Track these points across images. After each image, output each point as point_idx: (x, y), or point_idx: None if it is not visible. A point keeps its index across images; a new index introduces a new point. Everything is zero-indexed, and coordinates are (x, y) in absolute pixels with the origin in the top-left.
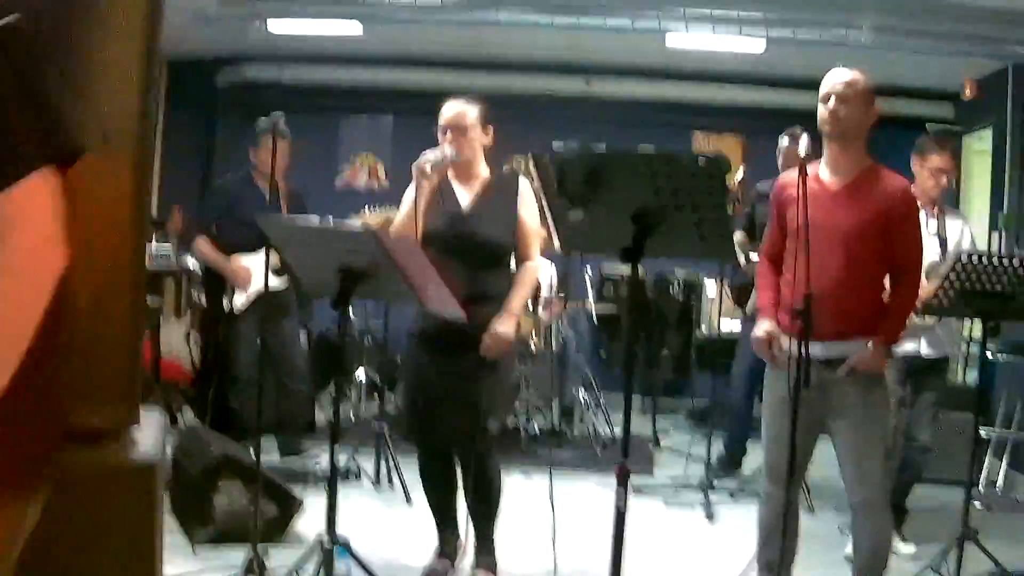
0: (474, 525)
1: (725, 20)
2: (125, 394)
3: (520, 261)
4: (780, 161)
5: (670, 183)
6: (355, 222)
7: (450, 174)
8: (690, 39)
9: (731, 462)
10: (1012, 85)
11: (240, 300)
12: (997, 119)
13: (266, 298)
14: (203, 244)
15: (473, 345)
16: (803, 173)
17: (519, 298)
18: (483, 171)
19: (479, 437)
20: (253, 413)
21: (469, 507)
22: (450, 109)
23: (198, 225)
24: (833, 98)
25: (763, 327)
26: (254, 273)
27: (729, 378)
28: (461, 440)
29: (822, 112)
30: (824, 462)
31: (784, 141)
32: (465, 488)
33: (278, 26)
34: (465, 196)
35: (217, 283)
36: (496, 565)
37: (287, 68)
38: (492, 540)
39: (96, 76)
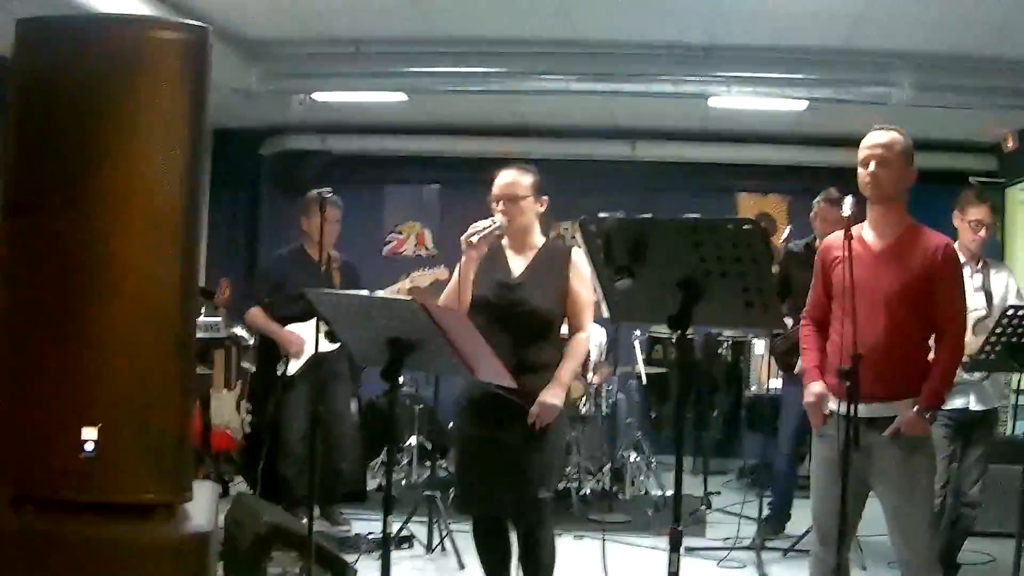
0: None
1: (766, 82)
2: (177, 469)
3: (571, 332)
4: (816, 224)
5: (714, 250)
6: (404, 283)
7: (505, 243)
8: (732, 101)
9: (776, 524)
10: None
11: (293, 367)
12: None
13: (319, 363)
14: (256, 314)
15: (521, 415)
16: (848, 235)
17: (569, 368)
18: (537, 240)
19: (532, 507)
20: (302, 482)
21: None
22: (502, 178)
23: (250, 297)
24: (873, 161)
25: (814, 390)
26: (306, 340)
27: (773, 441)
28: (513, 510)
29: (862, 175)
30: (875, 520)
31: (820, 204)
32: (519, 558)
33: (322, 96)
34: (518, 265)
35: (269, 352)
36: None
37: (331, 138)
38: None
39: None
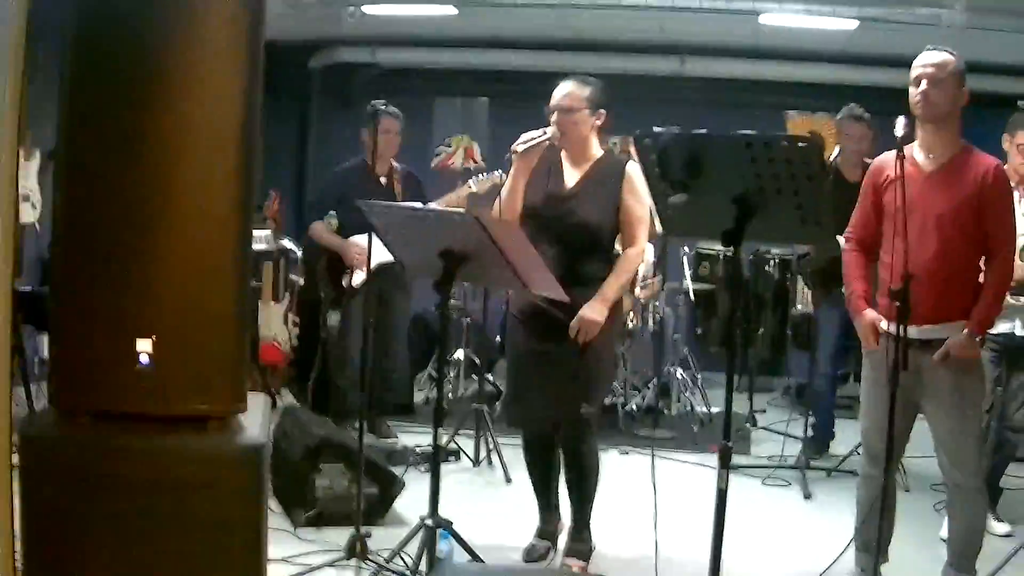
0: (571, 511)
1: None
2: (231, 381)
3: (624, 247)
4: (839, 140)
5: (770, 167)
6: (463, 190)
7: (563, 155)
8: (783, 18)
9: (819, 445)
10: None
11: (358, 278)
12: None
13: (380, 273)
14: (319, 228)
15: (562, 328)
16: (900, 155)
17: (615, 284)
18: (595, 153)
19: (574, 422)
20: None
21: (568, 491)
22: (559, 90)
23: (314, 212)
24: (924, 80)
25: (868, 317)
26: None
27: (812, 361)
28: (558, 423)
29: (914, 94)
30: (921, 442)
31: (844, 121)
32: (564, 471)
33: (372, 8)
34: (572, 177)
35: (332, 265)
36: (589, 553)
37: (381, 51)
38: (586, 527)
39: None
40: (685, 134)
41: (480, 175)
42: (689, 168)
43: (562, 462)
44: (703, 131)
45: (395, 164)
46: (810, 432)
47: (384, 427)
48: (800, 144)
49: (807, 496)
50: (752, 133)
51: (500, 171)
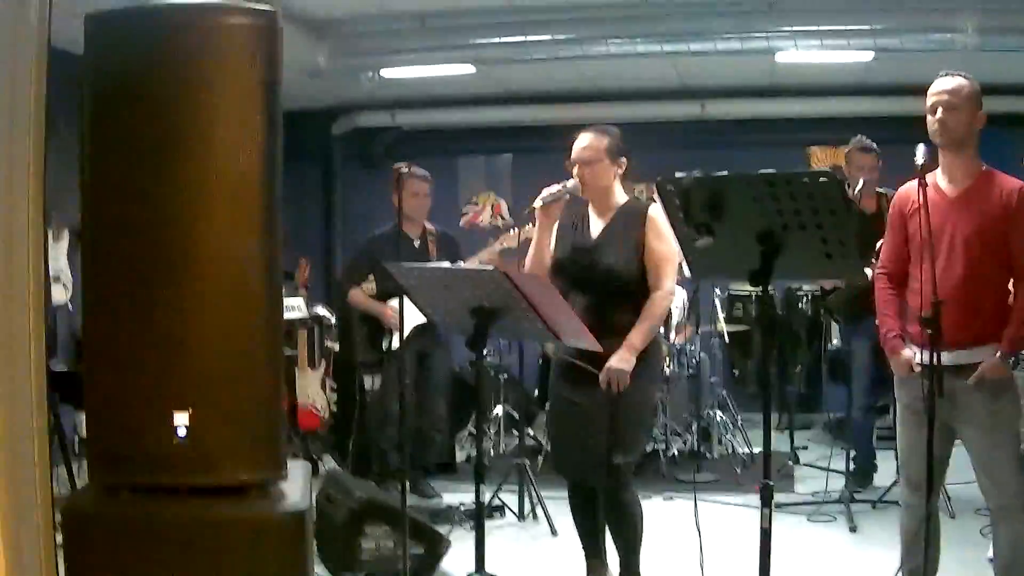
0: (619, 557)
1: (831, 34)
2: (270, 447)
3: (650, 290)
4: (848, 171)
5: (792, 203)
6: (495, 247)
7: (589, 207)
8: (799, 55)
9: (862, 477)
10: None
11: (398, 341)
12: None
13: (420, 333)
14: (356, 294)
15: (595, 378)
16: (923, 183)
17: (642, 331)
18: (619, 201)
19: (610, 471)
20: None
21: (612, 538)
22: (579, 142)
23: (349, 279)
24: (940, 108)
25: (906, 356)
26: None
27: (848, 394)
28: (595, 472)
29: (931, 122)
30: (962, 467)
31: (854, 153)
32: (607, 522)
33: (390, 72)
34: (597, 227)
35: (371, 330)
36: None
37: (400, 113)
38: (636, 573)
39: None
40: (706, 177)
41: (512, 230)
42: (712, 210)
43: (604, 510)
44: (724, 173)
45: (428, 226)
46: (852, 465)
47: (427, 487)
48: (821, 179)
49: (853, 529)
50: (772, 172)
51: (529, 224)
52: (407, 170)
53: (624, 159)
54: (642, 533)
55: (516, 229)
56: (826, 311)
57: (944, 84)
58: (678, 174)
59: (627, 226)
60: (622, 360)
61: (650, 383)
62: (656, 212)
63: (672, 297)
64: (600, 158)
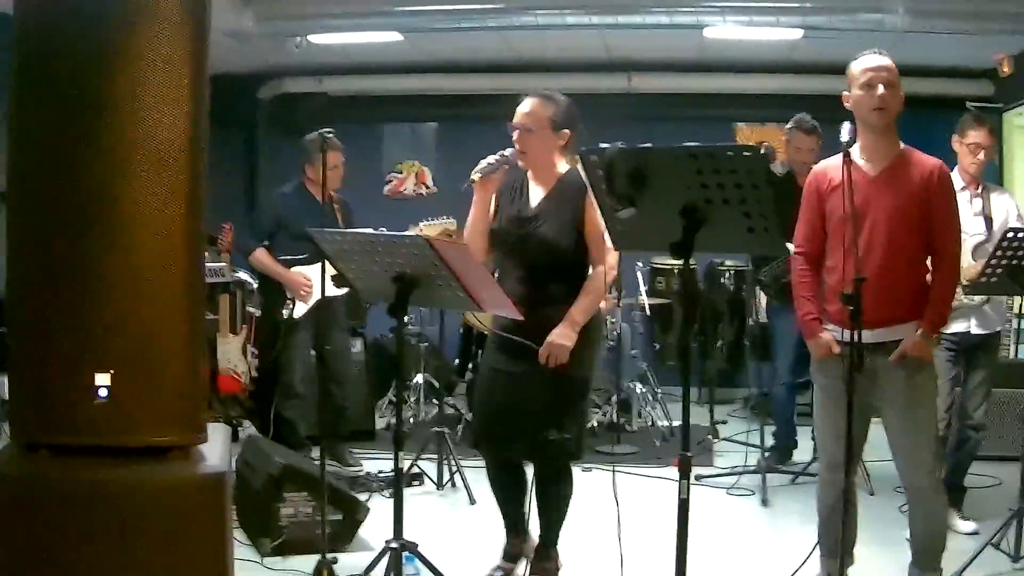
0: (540, 531)
1: (761, 10)
2: (191, 411)
3: (592, 265)
4: (789, 152)
5: (716, 177)
6: (411, 232)
7: (529, 175)
8: (727, 31)
9: (781, 453)
10: None
11: (300, 310)
12: None
13: (322, 307)
14: (261, 254)
15: (535, 351)
16: (848, 160)
17: (583, 306)
18: (560, 171)
19: (550, 446)
20: (306, 423)
21: (538, 512)
22: (521, 107)
23: (254, 236)
24: (881, 84)
25: (825, 339)
26: (313, 283)
27: (771, 370)
28: (530, 448)
29: (868, 100)
30: (882, 445)
31: (793, 133)
32: (536, 490)
33: (317, 38)
34: (537, 196)
35: (274, 294)
36: (556, 572)
37: (327, 79)
38: (554, 546)
39: (146, 103)
40: (630, 149)
41: (429, 219)
42: (635, 182)
43: (534, 483)
44: (648, 145)
45: (334, 193)
46: (772, 441)
47: (346, 455)
48: (745, 154)
49: (764, 502)
50: (696, 145)
51: (447, 216)
52: (331, 137)
53: (568, 131)
54: (566, 513)
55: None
56: (758, 284)
57: (882, 61)
58: (602, 145)
59: (567, 198)
60: (563, 336)
61: (590, 356)
62: None
63: (615, 272)
64: (541, 127)
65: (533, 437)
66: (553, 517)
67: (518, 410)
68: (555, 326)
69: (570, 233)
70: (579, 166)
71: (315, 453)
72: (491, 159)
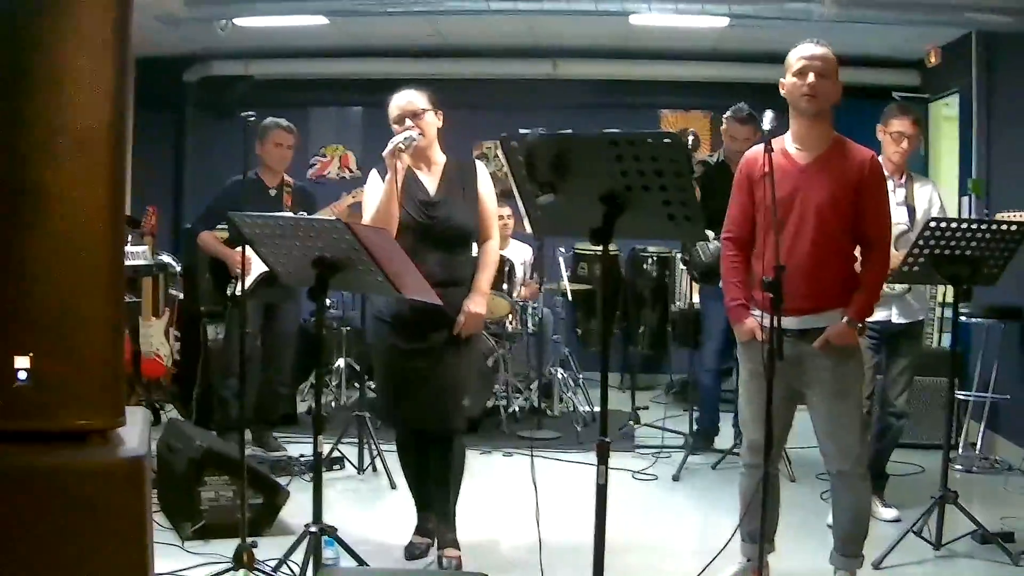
0: (437, 503)
1: None
2: (109, 394)
3: (482, 241)
4: (725, 140)
5: (636, 164)
6: (347, 199)
7: (410, 163)
8: (653, 18)
9: (705, 439)
10: (976, 51)
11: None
12: (962, 85)
13: (268, 283)
14: (207, 237)
15: (446, 327)
16: (768, 147)
17: (486, 277)
18: (439, 157)
19: (456, 416)
20: (239, 404)
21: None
22: (402, 97)
23: (203, 221)
24: (813, 73)
25: (749, 325)
26: (255, 260)
27: (699, 355)
28: (435, 420)
29: (798, 87)
30: (805, 432)
31: (730, 122)
32: (438, 468)
33: (244, 21)
34: (429, 183)
35: (217, 276)
36: (457, 542)
37: (254, 63)
38: (453, 517)
39: (69, 86)
40: (551, 135)
41: (362, 187)
42: (556, 168)
43: (432, 455)
44: (568, 131)
45: (287, 178)
46: (695, 426)
47: (271, 440)
48: (665, 140)
49: (675, 478)
50: (617, 131)
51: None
52: (276, 120)
53: (441, 113)
54: (461, 482)
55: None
56: (686, 267)
57: (817, 50)
58: (522, 131)
59: (462, 181)
60: (479, 304)
61: (484, 335)
62: (483, 168)
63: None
64: (427, 108)
65: (446, 407)
66: (452, 486)
67: (431, 384)
68: (460, 303)
69: (472, 213)
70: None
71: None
72: (407, 134)
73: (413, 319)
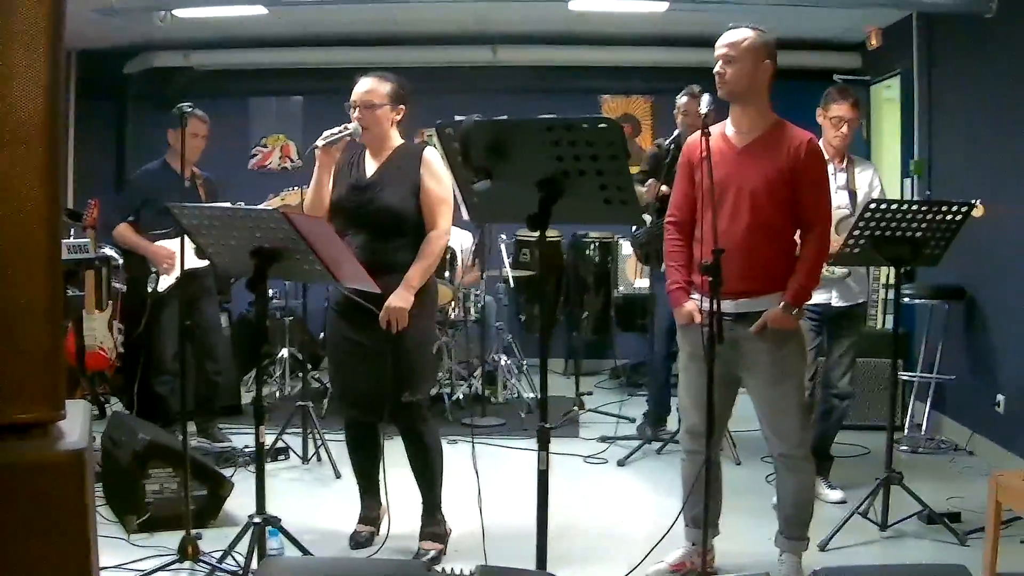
0: (421, 494)
1: None
2: (51, 388)
3: (426, 230)
4: (679, 119)
5: (572, 149)
6: (274, 202)
7: (366, 150)
8: (593, 3)
9: (656, 421)
10: (916, 33)
11: (164, 283)
12: (903, 67)
13: (189, 279)
14: (124, 229)
15: (376, 317)
16: (705, 132)
17: (419, 269)
18: (394, 143)
19: (404, 409)
20: (177, 399)
21: (415, 478)
22: (360, 86)
23: (119, 213)
24: (720, 60)
25: (688, 308)
26: (176, 255)
27: (649, 337)
28: (385, 413)
29: (715, 75)
30: (750, 415)
31: (681, 99)
32: (408, 458)
33: (183, 12)
34: (373, 167)
35: (139, 270)
36: (446, 536)
37: (194, 54)
38: (439, 510)
39: (4, 80)
40: (486, 121)
41: (291, 188)
42: (492, 154)
43: (406, 452)
44: (504, 117)
45: (196, 169)
46: (647, 410)
47: (216, 431)
48: (600, 125)
49: (620, 463)
50: (553, 117)
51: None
52: (190, 109)
53: (403, 106)
54: (442, 469)
55: (294, 189)
56: (634, 248)
57: (726, 37)
58: (457, 117)
59: (403, 165)
60: (401, 298)
61: (428, 320)
62: (431, 154)
63: (447, 237)
64: (382, 102)
65: (387, 402)
66: (429, 479)
67: (369, 376)
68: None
69: (410, 200)
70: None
71: (190, 428)
72: (336, 129)
73: (352, 308)
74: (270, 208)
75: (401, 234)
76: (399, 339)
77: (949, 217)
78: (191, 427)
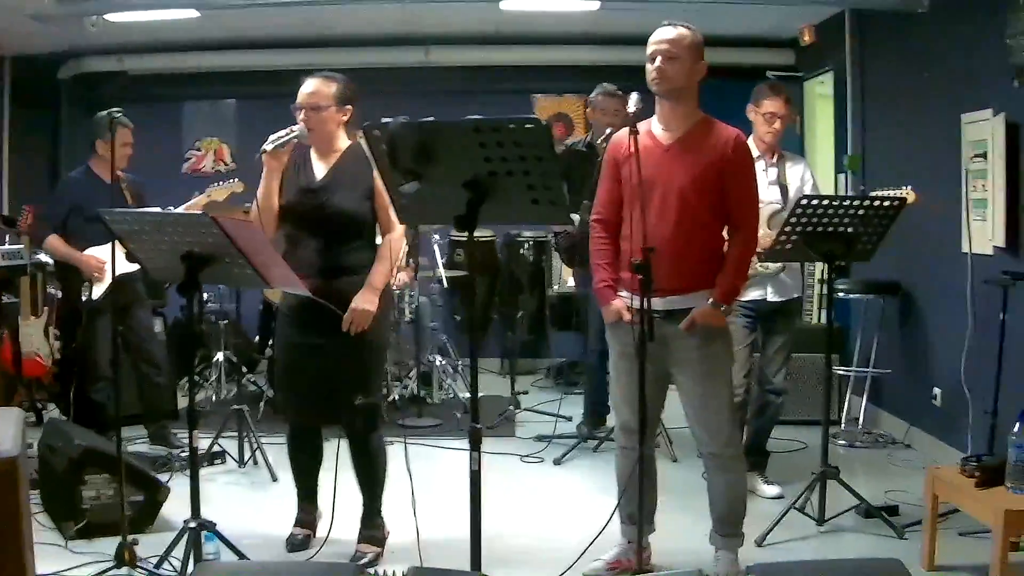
0: (363, 498)
1: None
2: None
3: (382, 233)
4: (595, 118)
5: (499, 150)
6: (201, 199)
7: (311, 151)
8: (524, 2)
9: (595, 419)
10: (849, 29)
11: (97, 291)
12: (836, 63)
13: (121, 285)
14: (54, 240)
15: (334, 320)
16: (633, 130)
17: (381, 271)
18: (342, 144)
19: (360, 413)
20: (121, 404)
21: (357, 481)
22: (306, 87)
23: (47, 223)
24: (659, 57)
25: (614, 307)
26: (107, 262)
27: (583, 336)
28: (338, 417)
29: (650, 70)
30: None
31: (598, 98)
32: (353, 464)
33: (115, 17)
34: (321, 169)
35: (73, 278)
36: (383, 540)
37: (127, 58)
38: (379, 514)
39: None
40: (413, 123)
41: (218, 183)
42: (419, 156)
43: (349, 456)
44: (431, 119)
45: (121, 173)
46: (585, 408)
47: (170, 434)
48: (527, 126)
49: (557, 462)
50: (479, 118)
51: (237, 179)
52: (119, 116)
53: (350, 107)
54: (386, 474)
55: (222, 183)
56: (556, 251)
57: (665, 34)
58: (384, 119)
59: (355, 168)
60: (367, 301)
61: (385, 323)
62: None
63: (404, 240)
64: (327, 104)
65: (340, 406)
66: (371, 483)
67: (322, 379)
68: (349, 295)
69: (361, 203)
70: (361, 140)
71: (142, 434)
72: (281, 133)
73: (304, 312)
74: (200, 212)
75: (355, 237)
76: (358, 341)
77: (882, 212)
78: (143, 432)
